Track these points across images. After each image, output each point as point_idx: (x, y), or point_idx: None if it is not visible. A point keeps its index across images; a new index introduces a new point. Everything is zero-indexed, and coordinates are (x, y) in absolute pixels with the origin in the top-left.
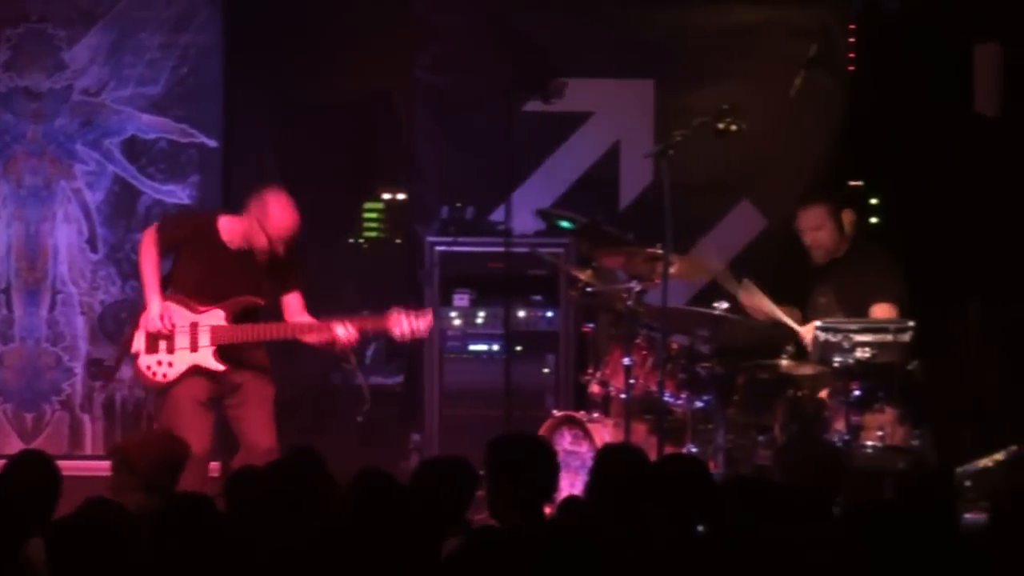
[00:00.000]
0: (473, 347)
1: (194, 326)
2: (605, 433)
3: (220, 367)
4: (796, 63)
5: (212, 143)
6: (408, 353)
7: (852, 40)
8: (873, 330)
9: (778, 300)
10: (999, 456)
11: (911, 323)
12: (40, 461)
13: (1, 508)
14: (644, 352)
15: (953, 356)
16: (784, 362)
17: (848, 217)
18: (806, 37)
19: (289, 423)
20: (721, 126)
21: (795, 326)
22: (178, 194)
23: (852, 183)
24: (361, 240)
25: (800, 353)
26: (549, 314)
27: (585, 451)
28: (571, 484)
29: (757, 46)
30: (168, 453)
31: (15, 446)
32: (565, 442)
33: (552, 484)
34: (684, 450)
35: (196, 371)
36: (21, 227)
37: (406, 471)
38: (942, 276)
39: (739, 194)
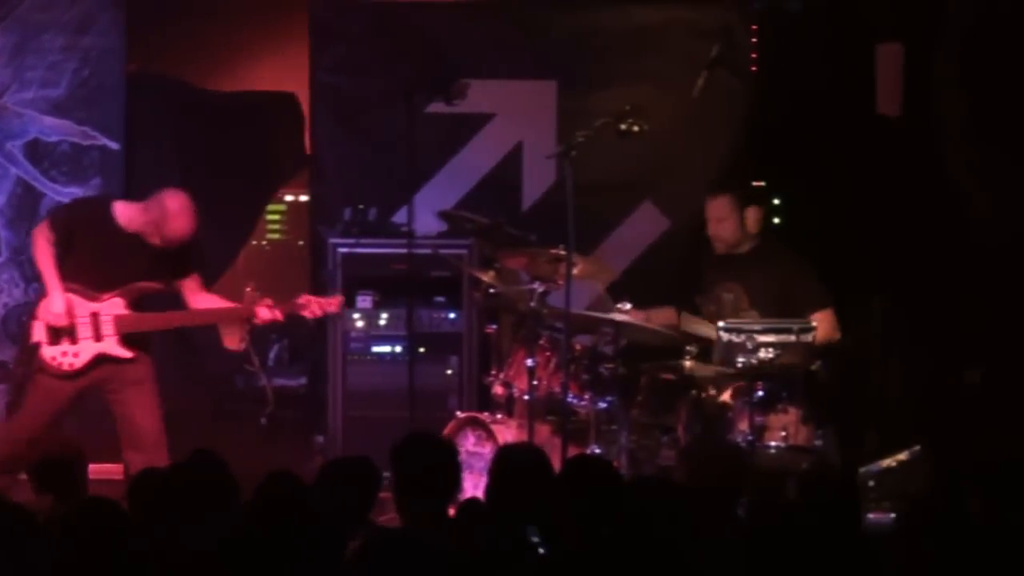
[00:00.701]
0: (376, 348)
1: (95, 316)
2: (508, 434)
3: (128, 354)
4: (698, 64)
5: (114, 145)
6: (312, 355)
7: (754, 40)
8: (776, 331)
9: (677, 297)
10: (902, 456)
11: (814, 324)
12: None
13: None
14: (547, 353)
15: (856, 356)
16: (687, 363)
17: (754, 214)
18: (708, 38)
19: (192, 425)
20: (623, 127)
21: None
22: (80, 196)
23: (755, 183)
24: (263, 242)
25: (703, 354)
26: (452, 315)
27: (488, 452)
28: (475, 485)
29: (659, 47)
30: (55, 453)
31: None
32: (468, 443)
33: (455, 485)
34: (588, 451)
35: (101, 359)
36: None
37: (310, 472)
38: (845, 276)
39: (641, 195)
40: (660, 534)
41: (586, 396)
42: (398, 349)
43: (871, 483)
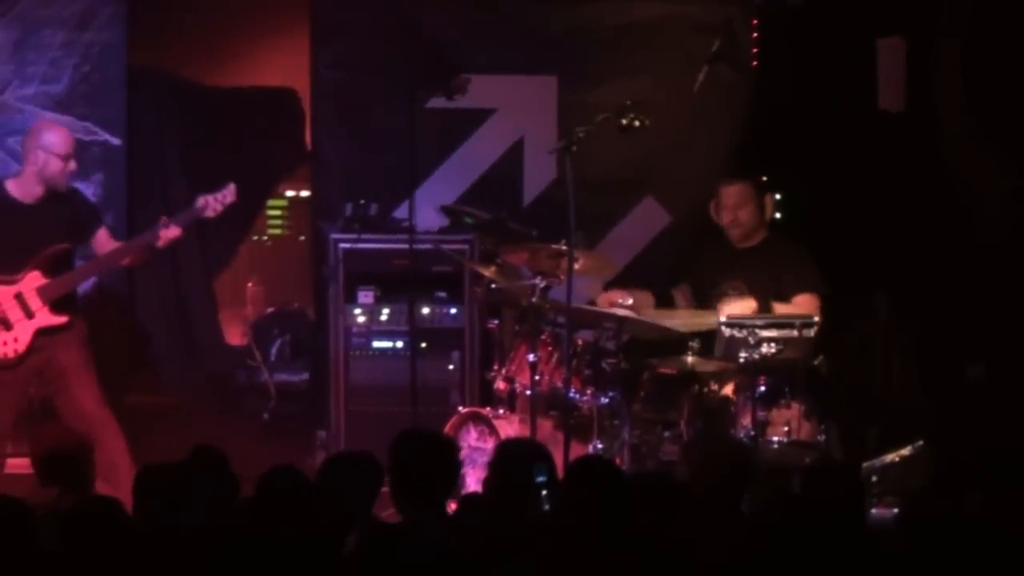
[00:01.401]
0: (378, 344)
1: (19, 295)
2: (511, 429)
3: (62, 319)
4: (699, 58)
5: (116, 141)
6: (313, 350)
7: (755, 35)
8: (779, 325)
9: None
10: (905, 451)
11: (816, 318)
12: None
13: None
14: (549, 348)
15: (859, 351)
16: (689, 358)
17: (754, 212)
18: (709, 32)
19: (194, 421)
20: (624, 122)
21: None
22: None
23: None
24: (265, 237)
25: (705, 349)
26: (454, 311)
27: (491, 447)
28: (477, 480)
29: (660, 42)
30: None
31: None
32: (471, 438)
33: (453, 481)
34: (590, 446)
35: (41, 332)
36: None
37: (312, 468)
38: (848, 271)
39: (643, 190)
40: (663, 531)
41: (588, 391)
42: (400, 344)
43: (874, 478)
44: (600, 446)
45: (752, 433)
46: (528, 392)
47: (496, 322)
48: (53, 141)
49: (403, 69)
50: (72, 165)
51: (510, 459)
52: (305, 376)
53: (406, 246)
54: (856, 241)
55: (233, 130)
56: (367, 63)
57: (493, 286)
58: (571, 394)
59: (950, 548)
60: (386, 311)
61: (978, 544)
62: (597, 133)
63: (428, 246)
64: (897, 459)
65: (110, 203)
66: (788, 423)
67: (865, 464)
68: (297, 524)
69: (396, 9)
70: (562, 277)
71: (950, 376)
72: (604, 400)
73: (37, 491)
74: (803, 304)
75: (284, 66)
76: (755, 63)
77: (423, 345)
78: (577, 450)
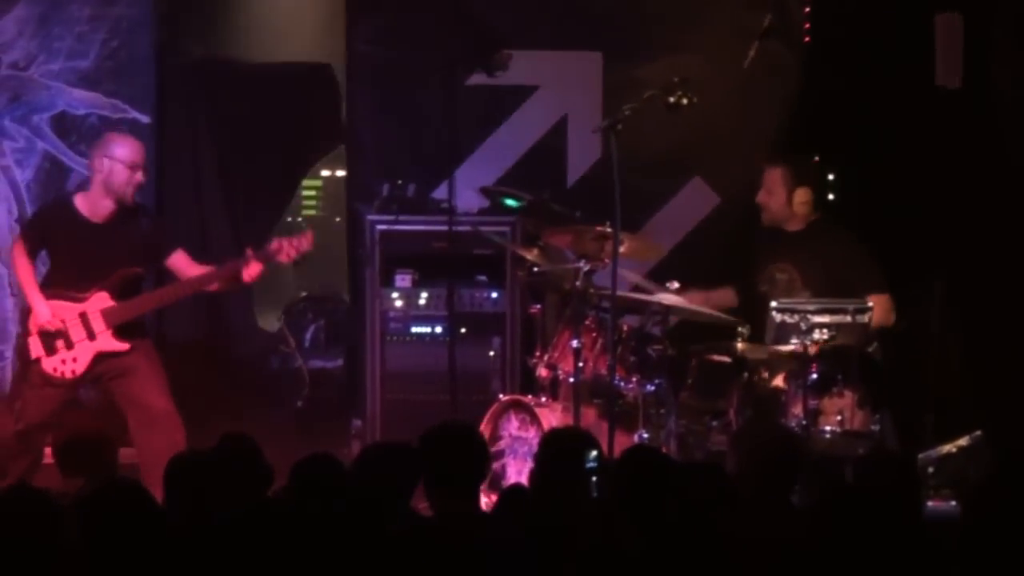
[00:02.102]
0: (416, 329)
1: (83, 315)
2: (553, 418)
3: (124, 346)
4: (750, 34)
5: (144, 119)
6: (349, 335)
7: (808, 10)
8: (831, 311)
9: (727, 275)
10: (962, 442)
11: (870, 304)
12: None
13: None
14: (593, 334)
15: (915, 337)
16: (739, 344)
17: (802, 196)
18: (760, 7)
19: (226, 409)
20: (672, 100)
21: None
22: None
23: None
24: (299, 219)
25: (755, 335)
26: (494, 295)
27: (532, 436)
28: (518, 472)
29: (709, 17)
30: (84, 434)
31: None
32: (512, 427)
33: (482, 472)
34: (635, 436)
35: (100, 357)
36: None
37: (347, 458)
38: (904, 255)
39: (691, 170)
40: (711, 523)
41: (633, 379)
42: (438, 330)
43: (930, 470)
44: (645, 436)
45: (803, 423)
46: (571, 379)
47: (538, 307)
48: (120, 150)
49: (443, 44)
50: (139, 176)
51: (558, 448)
52: (340, 363)
53: (445, 228)
54: (912, 224)
55: (266, 108)
56: (405, 38)
57: (535, 269)
58: (616, 381)
59: (1012, 541)
60: (424, 295)
61: None
62: (643, 111)
63: (468, 228)
64: (954, 450)
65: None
66: (841, 412)
67: (921, 455)
68: (332, 515)
69: None
70: (607, 260)
71: (1010, 364)
72: (650, 388)
73: (63, 483)
74: (878, 305)
75: (319, 40)
76: (807, 39)
77: (462, 331)
78: (622, 440)
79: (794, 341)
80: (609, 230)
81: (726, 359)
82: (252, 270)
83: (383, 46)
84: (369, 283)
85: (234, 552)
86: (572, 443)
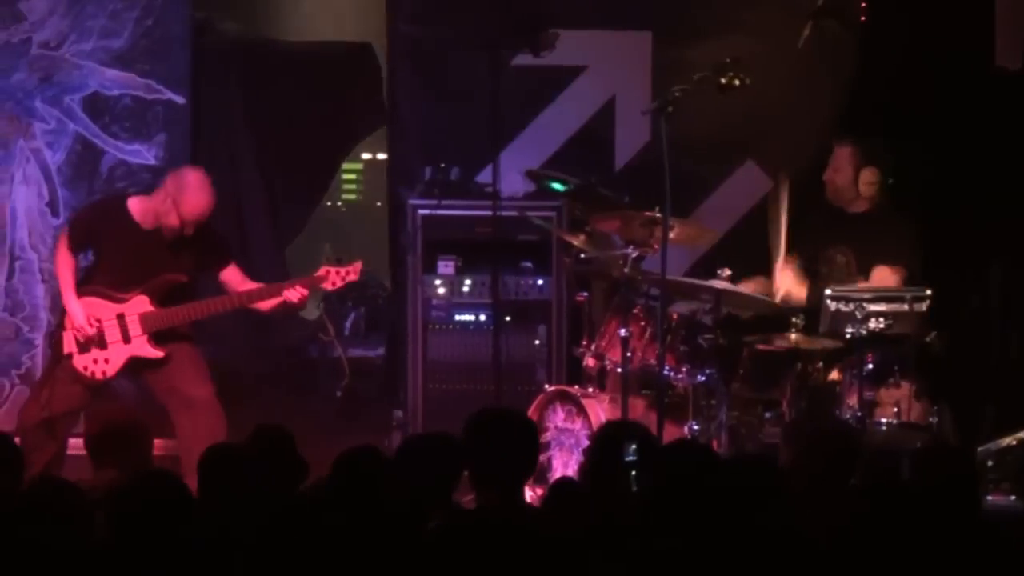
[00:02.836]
0: (459, 317)
1: (121, 317)
2: (600, 409)
3: (159, 354)
4: (804, 13)
5: (179, 99)
6: (390, 324)
7: None
8: (888, 299)
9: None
10: (1022, 435)
11: (928, 291)
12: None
13: None
14: (642, 323)
15: (973, 327)
16: (792, 334)
17: (868, 176)
18: None
19: (264, 398)
20: (724, 81)
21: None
22: (144, 154)
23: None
24: (339, 203)
25: (810, 325)
26: (540, 282)
27: (579, 428)
28: (564, 464)
29: None
30: (114, 426)
31: None
32: (558, 419)
33: (531, 463)
34: (685, 427)
35: (135, 362)
36: None
37: (388, 449)
38: (962, 241)
39: (743, 154)
40: (763, 518)
41: (683, 369)
42: (482, 318)
43: (990, 463)
44: (696, 427)
45: (859, 414)
46: (619, 369)
47: (585, 294)
48: (186, 200)
49: (487, 23)
50: (188, 231)
51: (611, 442)
52: (381, 351)
53: (489, 213)
54: (970, 208)
55: (304, 88)
56: (448, 17)
57: (582, 256)
58: (665, 371)
59: None
60: (468, 282)
61: None
62: (694, 92)
63: (513, 213)
64: (1015, 443)
65: (172, 166)
66: (897, 404)
67: (980, 448)
68: (374, 507)
69: None
70: (656, 246)
71: None
72: (700, 378)
73: (93, 475)
74: (880, 277)
75: (359, 19)
76: (864, 17)
77: (507, 319)
78: (671, 431)
79: (849, 330)
80: (658, 215)
81: (779, 348)
82: (295, 294)
83: (425, 24)
84: (411, 270)
85: (272, 544)
86: (626, 437)
